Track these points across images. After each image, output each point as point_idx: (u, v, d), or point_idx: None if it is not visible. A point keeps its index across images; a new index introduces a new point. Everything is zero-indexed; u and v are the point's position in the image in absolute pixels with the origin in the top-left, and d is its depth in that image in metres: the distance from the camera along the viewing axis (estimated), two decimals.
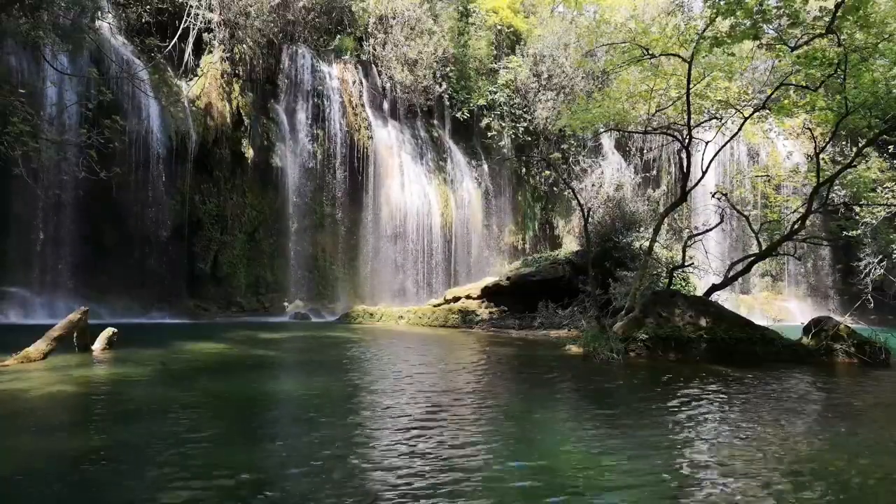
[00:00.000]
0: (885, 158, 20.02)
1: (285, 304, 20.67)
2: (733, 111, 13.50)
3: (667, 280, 14.14)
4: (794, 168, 22.78)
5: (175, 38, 19.25)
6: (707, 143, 13.43)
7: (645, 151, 28.68)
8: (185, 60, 19.81)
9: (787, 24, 10.99)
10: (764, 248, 13.35)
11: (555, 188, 26.64)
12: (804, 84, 11.72)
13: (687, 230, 23.12)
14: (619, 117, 14.39)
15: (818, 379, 8.29)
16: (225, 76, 20.36)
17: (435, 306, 18.50)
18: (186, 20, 19.38)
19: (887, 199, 16.87)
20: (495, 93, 26.21)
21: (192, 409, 5.53)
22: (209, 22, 20.02)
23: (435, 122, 26.48)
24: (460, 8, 26.96)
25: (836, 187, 14.60)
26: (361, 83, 23.96)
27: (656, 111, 14.27)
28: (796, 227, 12.64)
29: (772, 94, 12.67)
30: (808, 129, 15.04)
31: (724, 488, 3.67)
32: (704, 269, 14.71)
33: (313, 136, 22.17)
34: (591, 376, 8.40)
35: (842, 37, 10.29)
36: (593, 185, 22.83)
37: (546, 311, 16.28)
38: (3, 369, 7.16)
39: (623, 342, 9.97)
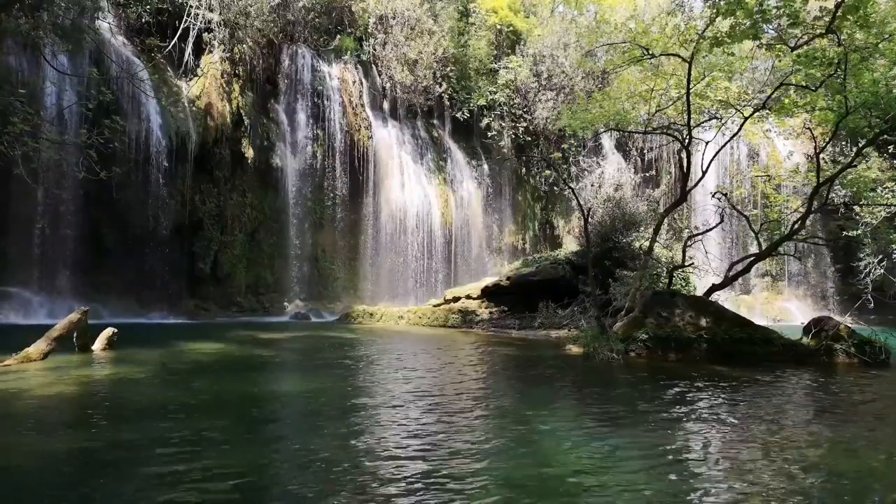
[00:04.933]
0: (885, 158, 20.01)
1: (285, 304, 20.67)
2: (733, 111, 13.50)
3: (667, 280, 14.13)
4: (794, 168, 22.76)
5: (175, 38, 19.25)
6: (707, 143, 13.42)
7: (645, 151, 28.67)
8: (185, 60, 19.81)
9: (787, 24, 10.98)
10: (764, 248, 13.35)
11: (555, 188, 26.62)
12: (804, 84, 11.71)
13: (687, 230, 23.11)
14: (619, 117, 14.38)
15: (818, 379, 8.29)
16: (225, 76, 20.36)
17: (435, 306, 18.50)
18: (186, 20, 19.38)
19: (887, 199, 16.85)
20: (495, 93, 26.20)
21: (191, 410, 5.53)
22: (209, 22, 20.02)
23: (435, 122, 26.48)
24: (460, 8, 26.95)
25: (836, 187, 14.58)
26: (361, 83, 23.96)
27: (656, 111, 14.26)
28: (796, 227, 12.63)
29: (772, 94, 12.66)
30: (808, 129, 15.03)
31: (726, 489, 3.67)
32: (704, 269, 14.70)
33: (313, 136, 22.17)
34: (592, 376, 8.40)
35: (842, 37, 10.29)
36: (593, 185, 22.82)
37: (546, 311, 16.27)
38: (3, 369, 7.16)
39: (623, 342, 9.97)
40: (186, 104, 19.22)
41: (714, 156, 13.32)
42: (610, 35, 15.25)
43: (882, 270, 21.44)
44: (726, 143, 14.24)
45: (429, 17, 25.06)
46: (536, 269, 18.19)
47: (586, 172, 24.19)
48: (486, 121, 26.22)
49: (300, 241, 21.68)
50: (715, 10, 10.42)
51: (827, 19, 10.22)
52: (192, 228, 19.26)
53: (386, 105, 24.90)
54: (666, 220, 15.21)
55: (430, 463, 3.97)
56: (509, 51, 27.24)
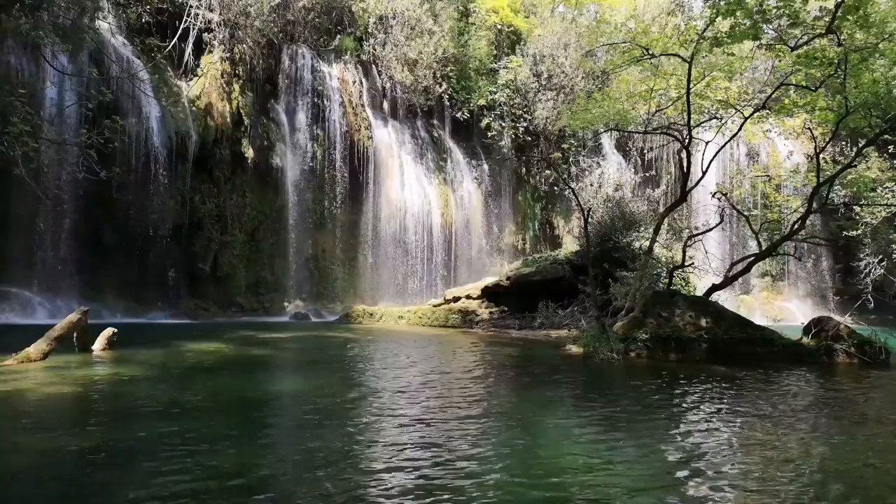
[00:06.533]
0: (885, 158, 20.01)
1: (285, 304, 20.66)
2: (733, 111, 13.50)
3: (667, 280, 14.13)
4: (794, 168, 22.75)
5: (175, 38, 19.24)
6: (707, 143, 13.41)
7: (645, 151, 28.65)
8: (185, 60, 19.80)
9: (787, 24, 10.99)
10: (764, 248, 13.35)
11: (555, 188, 26.61)
12: (804, 84, 11.72)
13: (687, 230, 23.08)
14: (619, 117, 14.38)
15: (818, 379, 8.29)
16: (225, 76, 20.35)
17: (435, 306, 18.49)
18: (186, 20, 19.37)
19: (887, 199, 16.85)
20: (495, 93, 26.18)
21: (191, 410, 5.53)
22: (209, 22, 20.01)
23: (435, 122, 26.45)
24: (460, 8, 26.92)
25: (836, 187, 14.58)
26: (361, 83, 23.95)
27: (656, 111, 14.25)
28: (796, 227, 12.63)
29: (772, 94, 12.66)
30: (808, 129, 15.02)
31: (725, 489, 3.67)
32: (704, 269, 14.70)
33: (313, 136, 22.15)
34: (591, 377, 8.41)
35: (842, 37, 10.30)
36: (593, 185, 22.81)
37: (546, 311, 16.27)
38: (4, 369, 7.16)
39: (623, 342, 9.97)
40: (186, 104, 19.21)
41: (714, 156, 13.31)
42: (610, 35, 15.23)
43: (882, 270, 21.43)
44: (726, 143, 14.23)
45: (429, 17, 25.03)
46: (536, 269, 18.18)
47: (586, 172, 24.19)
48: (486, 121, 26.20)
49: (300, 241, 21.66)
50: (715, 11, 10.42)
51: (827, 19, 10.22)
52: (192, 228, 19.24)
53: (386, 105, 24.88)
54: (666, 220, 15.17)
55: (430, 463, 3.97)
56: (509, 51, 27.22)
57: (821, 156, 12.71)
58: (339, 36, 23.93)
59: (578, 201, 13.77)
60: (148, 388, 6.56)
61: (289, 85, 22.31)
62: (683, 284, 16.65)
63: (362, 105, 23.63)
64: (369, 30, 24.33)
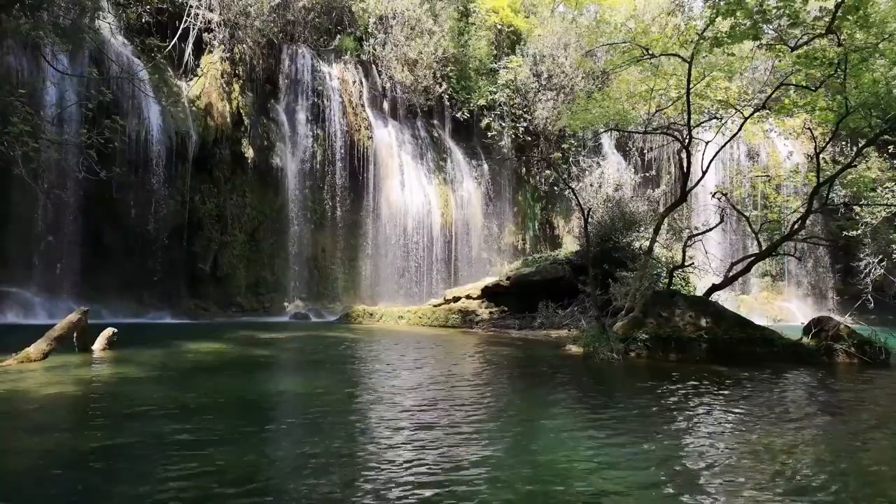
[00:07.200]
0: (885, 158, 20.01)
1: (285, 304, 20.66)
2: (733, 111, 13.50)
3: (667, 280, 14.13)
4: (794, 168, 22.76)
5: (175, 38, 19.24)
6: (707, 143, 13.41)
7: (645, 151, 28.65)
8: (185, 60, 19.80)
9: (787, 24, 10.99)
10: (764, 248, 13.35)
11: (555, 188, 26.61)
12: (804, 84, 11.73)
13: (687, 230, 23.08)
14: (619, 117, 14.39)
15: (818, 379, 8.29)
16: (225, 76, 20.35)
17: (435, 306, 18.49)
18: (186, 20, 19.37)
19: (887, 199, 16.85)
20: (495, 93, 26.18)
21: (191, 410, 5.53)
22: (209, 22, 20.01)
23: (435, 122, 26.45)
24: (460, 8, 26.92)
25: (836, 187, 14.58)
26: (361, 83, 23.95)
27: (656, 111, 14.25)
28: (796, 227, 12.64)
29: (772, 94, 12.67)
30: (808, 129, 15.03)
31: (724, 490, 3.67)
32: (704, 269, 14.70)
33: (313, 136, 22.16)
34: (591, 377, 8.41)
35: (842, 37, 10.30)
36: (593, 185, 22.81)
37: (546, 311, 16.27)
38: (4, 369, 7.16)
39: (623, 342, 9.97)
40: (186, 104, 19.20)
41: (714, 156, 13.31)
42: (610, 35, 15.24)
43: (882, 270, 21.43)
44: (726, 143, 14.23)
45: (429, 17, 25.02)
46: (536, 269, 18.18)
47: (586, 172, 24.18)
48: (486, 121, 26.20)
49: (300, 241, 21.66)
50: (715, 11, 10.42)
51: (827, 19, 10.23)
52: (191, 228, 19.24)
53: (386, 105, 24.88)
54: (666, 220, 15.16)
55: (430, 463, 3.98)
56: (509, 51, 27.21)
57: (821, 156, 12.71)
58: (339, 36, 23.93)
59: (578, 201, 13.77)
60: (148, 389, 6.56)
61: (289, 85, 22.31)
62: (683, 284, 16.65)
63: (362, 105, 23.63)
64: (369, 30, 24.33)
